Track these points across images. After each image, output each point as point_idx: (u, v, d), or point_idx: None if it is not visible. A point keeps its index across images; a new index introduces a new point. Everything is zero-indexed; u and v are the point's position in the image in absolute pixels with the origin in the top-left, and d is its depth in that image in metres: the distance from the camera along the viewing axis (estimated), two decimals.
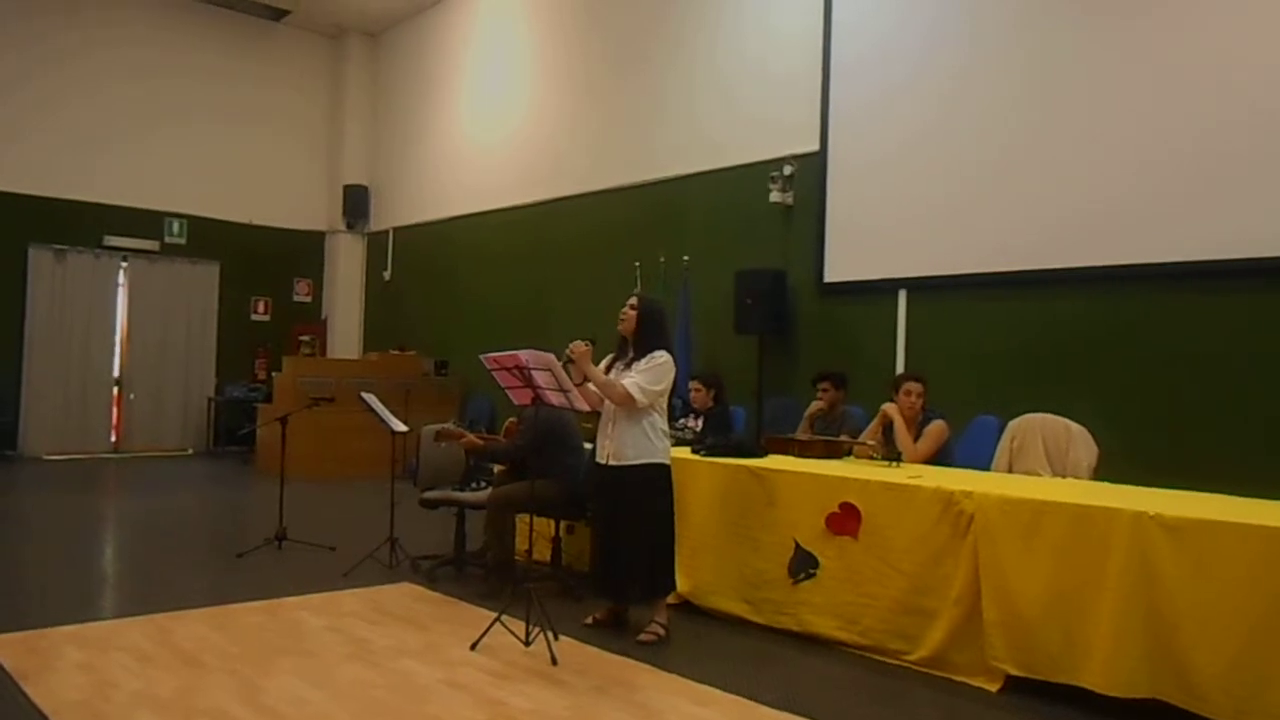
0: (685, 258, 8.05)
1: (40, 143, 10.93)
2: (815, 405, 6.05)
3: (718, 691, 3.71)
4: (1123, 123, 5.64)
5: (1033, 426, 5.12)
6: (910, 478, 4.28)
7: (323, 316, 13.09)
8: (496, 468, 5.78)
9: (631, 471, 4.35)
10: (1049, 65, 5.99)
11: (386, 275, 12.59)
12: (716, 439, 5.33)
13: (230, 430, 11.54)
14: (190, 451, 11.92)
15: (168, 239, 11.85)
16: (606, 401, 4.42)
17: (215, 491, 9.28)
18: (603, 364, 4.50)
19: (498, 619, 4.21)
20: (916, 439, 5.24)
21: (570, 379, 4.29)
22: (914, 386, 5.39)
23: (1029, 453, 5.05)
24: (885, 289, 6.84)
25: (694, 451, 5.10)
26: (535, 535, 5.39)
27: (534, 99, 10.32)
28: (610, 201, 9.17)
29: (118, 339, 11.66)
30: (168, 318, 11.89)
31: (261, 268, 12.54)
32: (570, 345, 4.35)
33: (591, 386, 4.38)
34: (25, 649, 4.00)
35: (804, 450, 5.13)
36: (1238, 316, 5.24)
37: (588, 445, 4.99)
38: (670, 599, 4.62)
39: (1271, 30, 5.09)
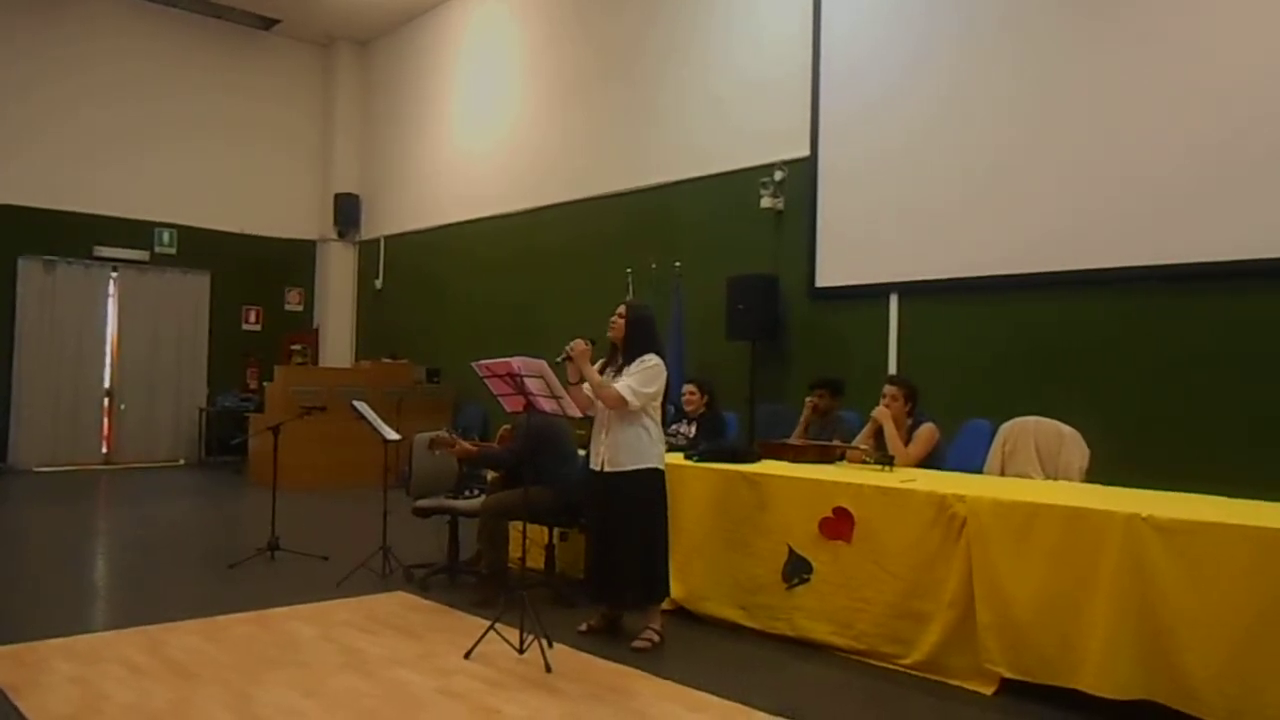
0: (677, 264, 8.05)
1: (30, 154, 10.89)
2: (810, 404, 6.02)
3: (712, 697, 3.70)
4: (1112, 128, 5.66)
5: (1025, 429, 5.12)
6: (903, 482, 4.28)
7: (314, 325, 13.07)
8: (490, 475, 5.77)
9: (625, 477, 4.36)
10: (1039, 71, 6.01)
11: (378, 284, 12.56)
12: (709, 444, 5.33)
13: (222, 440, 11.50)
14: (182, 462, 11.87)
15: (158, 249, 11.82)
16: (600, 408, 4.42)
17: (207, 502, 9.23)
18: (594, 369, 4.50)
19: (491, 627, 4.20)
20: (907, 443, 5.25)
21: (566, 377, 4.29)
22: (889, 389, 5.40)
23: (1021, 456, 5.05)
24: (877, 293, 6.84)
25: (687, 457, 5.09)
26: (529, 543, 5.41)
27: (525, 106, 10.32)
28: (602, 208, 9.17)
29: (108, 350, 11.62)
30: (158, 328, 11.85)
31: (253, 277, 12.51)
32: (571, 342, 4.35)
33: (585, 388, 4.38)
34: (15, 662, 3.98)
35: (797, 455, 5.13)
36: (1227, 318, 5.26)
37: (581, 452, 4.99)
38: (664, 605, 4.62)
39: (1263, 36, 5.12)
